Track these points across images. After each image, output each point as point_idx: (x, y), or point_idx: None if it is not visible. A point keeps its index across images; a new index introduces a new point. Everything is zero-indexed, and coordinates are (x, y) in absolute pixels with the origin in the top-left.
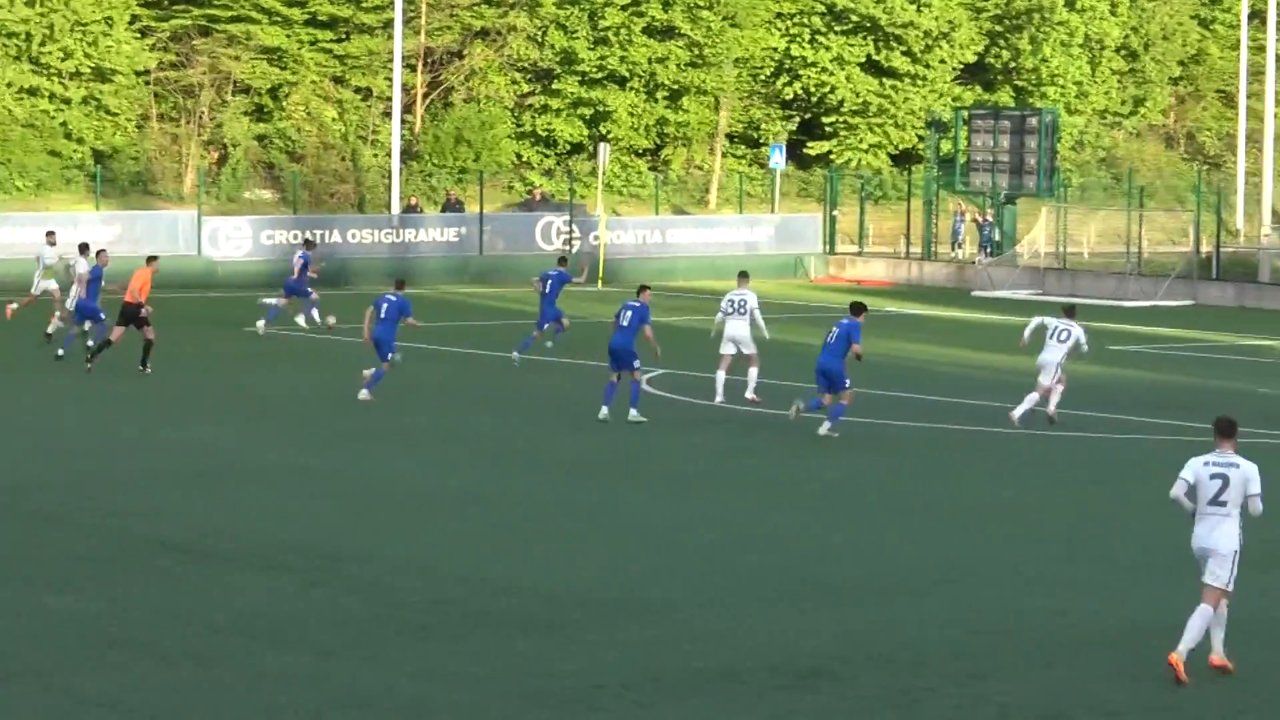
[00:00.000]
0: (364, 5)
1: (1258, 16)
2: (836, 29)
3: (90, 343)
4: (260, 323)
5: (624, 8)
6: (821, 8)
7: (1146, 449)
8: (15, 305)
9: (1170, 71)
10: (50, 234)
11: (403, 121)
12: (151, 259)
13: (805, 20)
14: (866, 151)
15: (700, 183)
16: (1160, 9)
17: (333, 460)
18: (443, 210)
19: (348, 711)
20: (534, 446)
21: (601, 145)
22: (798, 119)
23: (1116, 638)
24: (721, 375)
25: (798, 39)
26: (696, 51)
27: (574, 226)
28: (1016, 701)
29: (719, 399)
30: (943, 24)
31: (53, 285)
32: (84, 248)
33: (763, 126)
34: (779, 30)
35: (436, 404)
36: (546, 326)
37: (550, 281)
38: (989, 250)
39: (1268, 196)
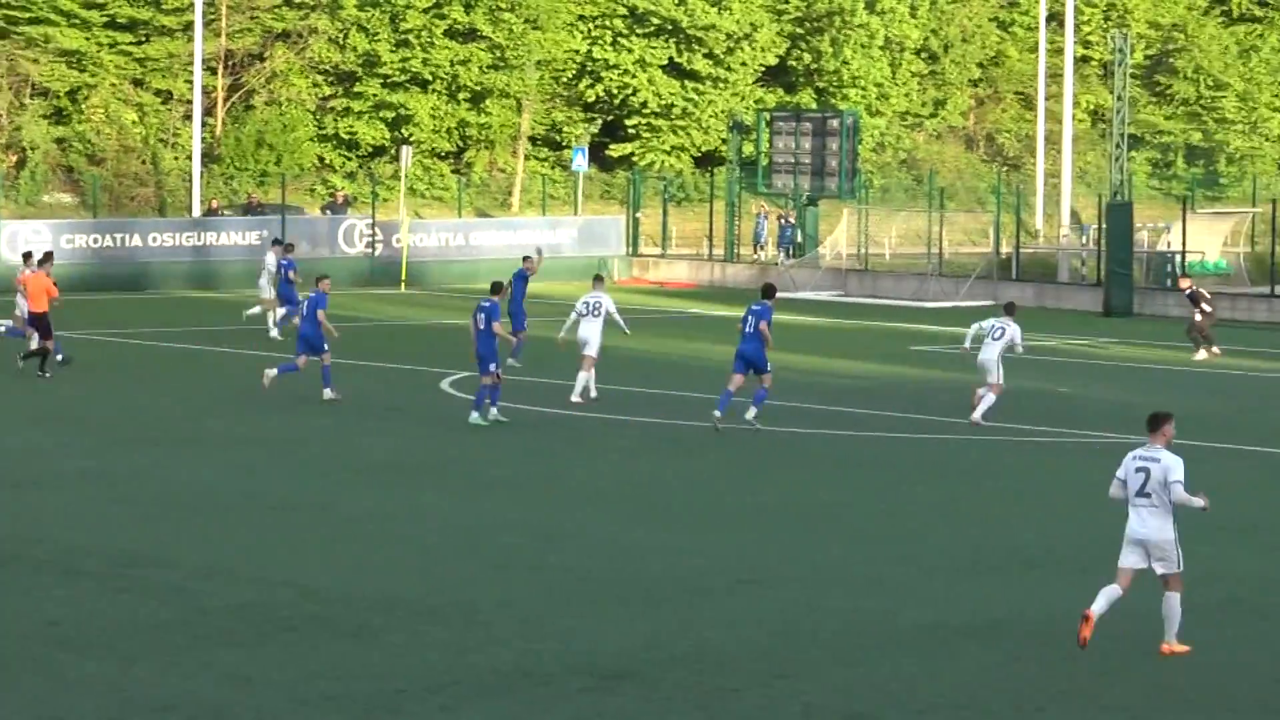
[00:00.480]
0: (164, 7)
1: (1056, 19)
2: (638, 31)
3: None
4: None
5: (425, 10)
6: (623, 10)
7: (948, 449)
8: None
9: (970, 74)
10: None
11: (204, 124)
12: (44, 260)
13: (607, 23)
14: (669, 153)
15: (503, 185)
16: (960, 11)
17: (131, 464)
18: (244, 213)
19: (150, 717)
20: (335, 450)
21: (404, 148)
22: (600, 121)
23: (918, 636)
24: (582, 376)
25: (600, 41)
26: (498, 54)
27: (376, 229)
28: (820, 701)
29: (575, 398)
30: (744, 26)
31: None
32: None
33: (565, 129)
34: (581, 32)
35: (236, 408)
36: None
37: (514, 282)
38: (791, 252)
39: (1066, 198)
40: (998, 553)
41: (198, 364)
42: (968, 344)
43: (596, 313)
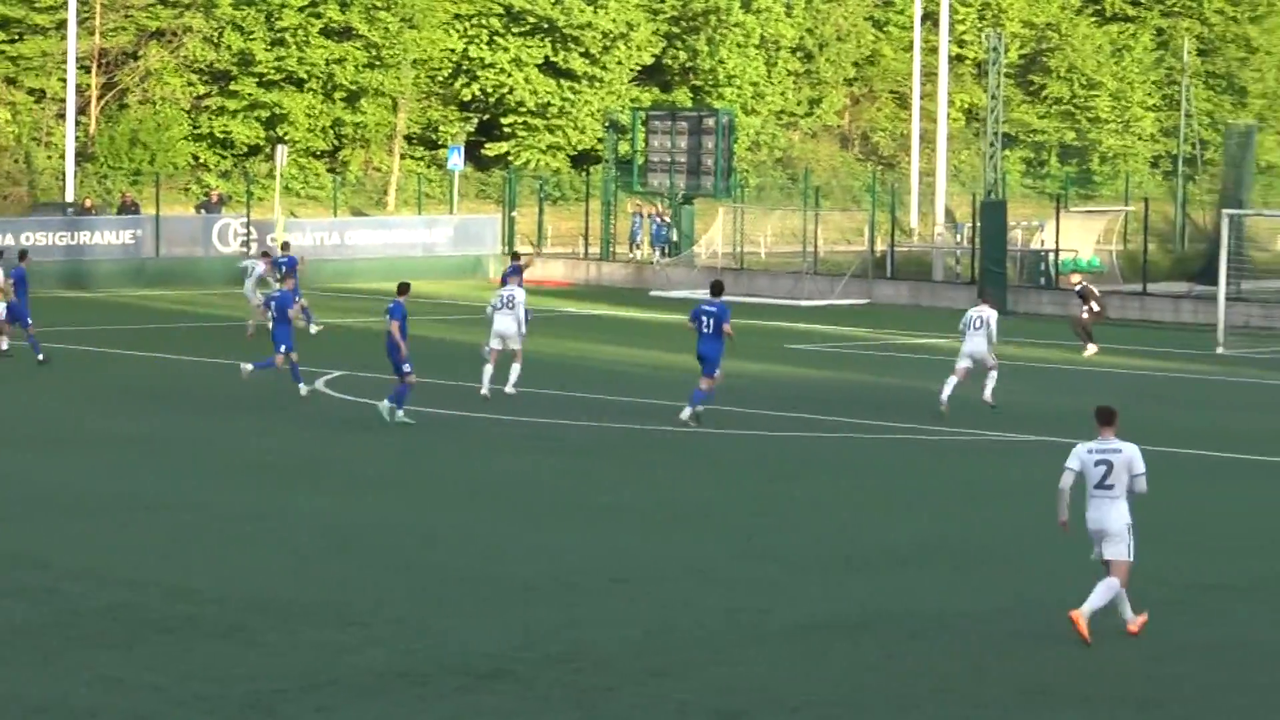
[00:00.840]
0: (36, 6)
1: (930, 18)
2: (514, 30)
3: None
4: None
5: (301, 9)
6: (499, 9)
7: (821, 447)
8: None
9: (845, 73)
10: None
11: (77, 123)
12: None
13: (483, 21)
14: (545, 152)
15: (378, 184)
16: (835, 10)
17: (3, 466)
18: (119, 212)
19: None
20: (210, 449)
21: (279, 147)
22: (476, 120)
23: (792, 634)
24: (489, 369)
25: (476, 40)
26: (374, 53)
27: (252, 229)
28: (696, 699)
29: (485, 391)
30: (620, 25)
31: None
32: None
33: (441, 128)
34: (457, 31)
35: (107, 407)
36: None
37: (508, 277)
38: (666, 250)
39: (941, 196)
40: (871, 550)
41: (74, 364)
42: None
43: (510, 306)
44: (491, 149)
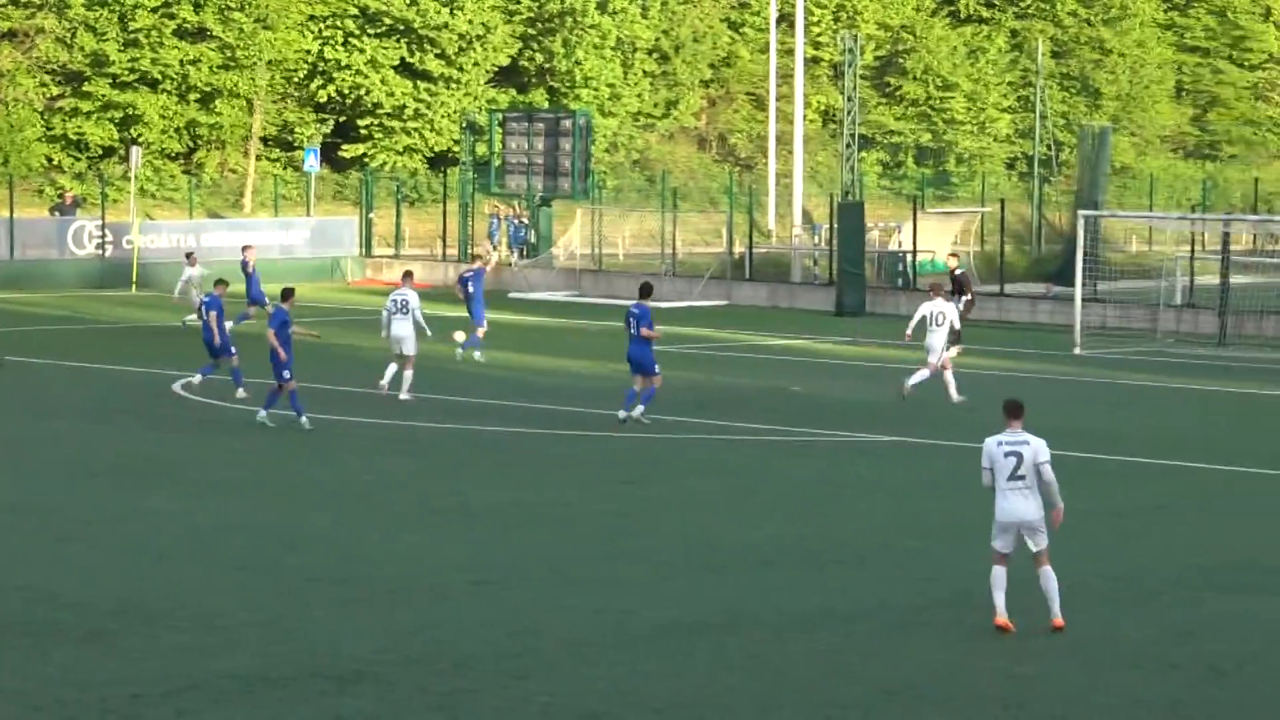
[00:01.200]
0: None
1: (786, 20)
2: (370, 31)
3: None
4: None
5: (155, 9)
6: (354, 10)
7: (681, 448)
8: None
9: (701, 74)
10: None
11: None
12: None
13: (339, 23)
14: (402, 154)
15: (234, 186)
16: (691, 12)
17: None
18: None
19: None
20: (64, 453)
21: (133, 148)
22: (332, 122)
23: (655, 635)
24: (393, 367)
25: (331, 42)
26: (229, 54)
27: (106, 231)
28: (559, 701)
29: (383, 383)
30: (477, 27)
31: None
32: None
33: (297, 129)
34: (312, 33)
35: None
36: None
37: (470, 281)
38: (525, 252)
39: (798, 198)
40: (733, 550)
41: None
42: (910, 331)
43: (404, 311)
44: (348, 151)
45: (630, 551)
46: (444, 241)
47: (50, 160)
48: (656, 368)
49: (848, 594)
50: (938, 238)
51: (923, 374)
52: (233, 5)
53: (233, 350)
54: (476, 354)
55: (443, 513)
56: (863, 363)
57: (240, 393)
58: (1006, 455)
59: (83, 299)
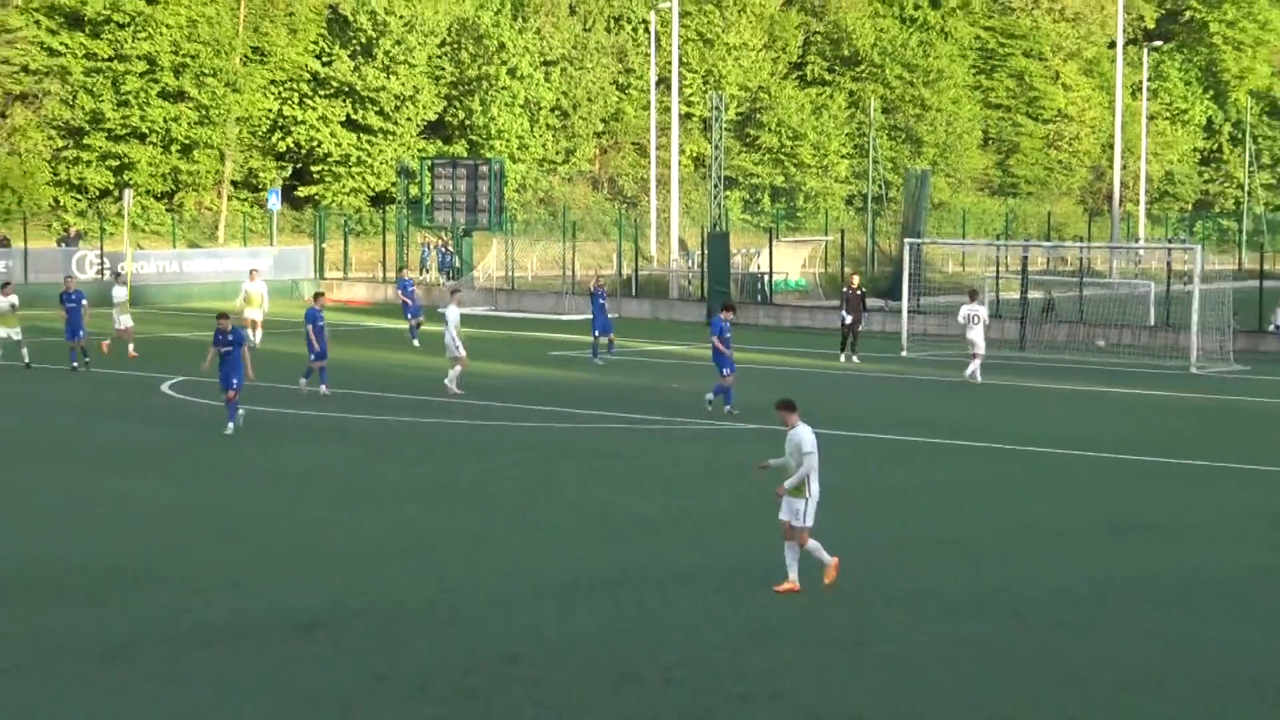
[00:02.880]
0: None
1: (664, 82)
2: (321, 93)
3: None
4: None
5: (142, 75)
6: (308, 76)
7: (581, 435)
8: None
9: (595, 127)
10: None
11: None
12: None
13: (295, 86)
14: (349, 194)
15: (210, 222)
16: (585, 76)
17: None
18: None
19: None
20: (68, 443)
21: (126, 191)
22: (290, 167)
23: (560, 590)
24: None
25: (289, 101)
26: (204, 112)
27: (105, 259)
28: (481, 645)
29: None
30: (409, 89)
31: None
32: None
33: (261, 174)
34: (273, 94)
35: None
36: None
37: (597, 299)
38: (450, 275)
39: (674, 229)
40: (625, 520)
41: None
42: (962, 321)
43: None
44: (304, 191)
45: (537, 521)
46: (384, 266)
47: (56, 201)
48: (724, 370)
49: (720, 555)
50: (789, 261)
51: (975, 364)
52: (206, 71)
53: (325, 355)
54: (415, 343)
55: (377, 492)
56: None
57: (324, 389)
58: (788, 447)
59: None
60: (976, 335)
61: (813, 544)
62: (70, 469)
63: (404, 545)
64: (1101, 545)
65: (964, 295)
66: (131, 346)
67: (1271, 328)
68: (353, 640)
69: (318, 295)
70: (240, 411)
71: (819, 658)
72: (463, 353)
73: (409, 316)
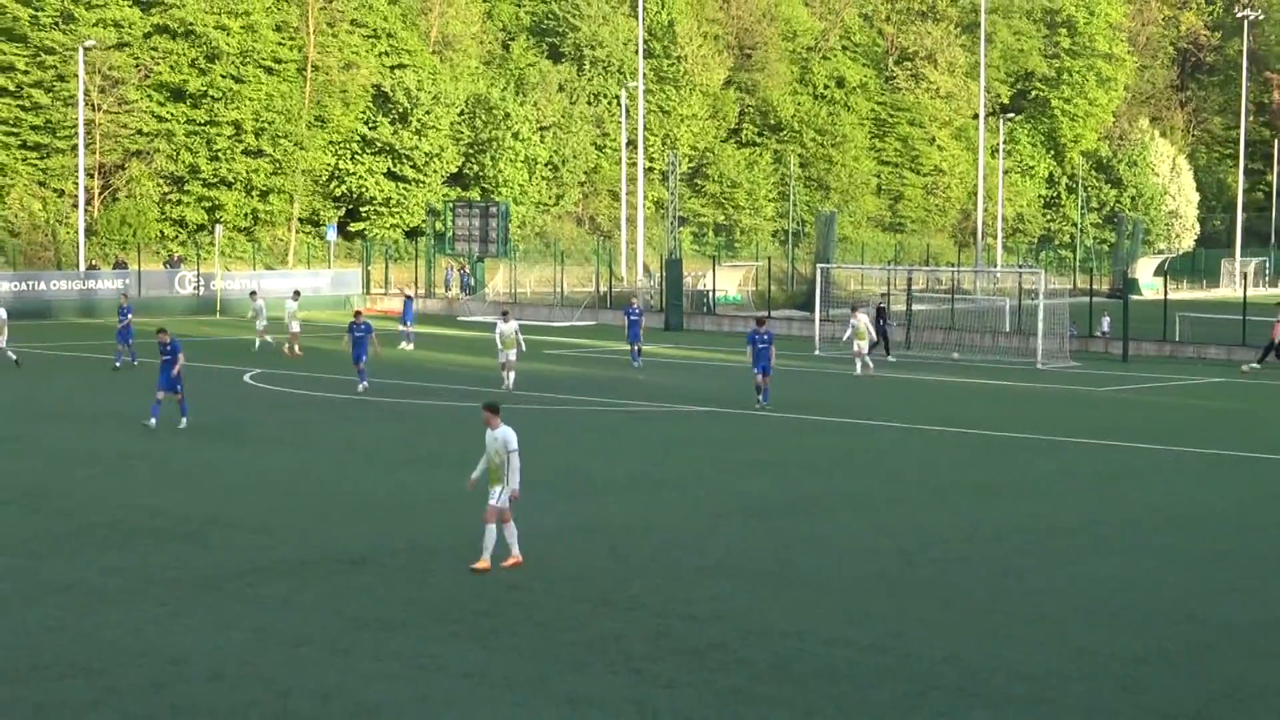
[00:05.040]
0: (59, 135)
1: (632, 144)
2: (368, 151)
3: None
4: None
5: (229, 136)
6: (358, 138)
7: (565, 415)
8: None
9: (579, 177)
10: None
11: (86, 210)
12: None
13: (348, 145)
14: (389, 229)
15: (282, 250)
16: (571, 139)
17: None
18: (114, 269)
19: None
20: (172, 418)
21: (217, 226)
22: (344, 208)
23: (551, 534)
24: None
25: (343, 157)
26: (278, 165)
27: (200, 278)
28: (491, 578)
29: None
30: (436, 147)
31: None
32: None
33: (321, 213)
34: (331, 152)
35: (107, 393)
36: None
37: (630, 313)
38: (468, 291)
39: (640, 256)
40: (600, 482)
41: (81, 363)
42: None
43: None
44: (354, 226)
45: (530, 482)
46: (416, 284)
47: (162, 234)
48: (755, 371)
49: (674, 509)
50: (729, 281)
51: (861, 359)
52: (280, 134)
53: (359, 360)
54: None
55: (414, 459)
56: (681, 361)
57: (361, 387)
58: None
59: (184, 322)
60: (861, 338)
61: (512, 528)
62: (166, 440)
63: (435, 500)
64: (967, 500)
65: (862, 307)
66: (296, 347)
67: (1099, 333)
68: (391, 573)
69: (357, 313)
70: (187, 413)
71: (751, 587)
72: (513, 358)
73: (406, 322)
